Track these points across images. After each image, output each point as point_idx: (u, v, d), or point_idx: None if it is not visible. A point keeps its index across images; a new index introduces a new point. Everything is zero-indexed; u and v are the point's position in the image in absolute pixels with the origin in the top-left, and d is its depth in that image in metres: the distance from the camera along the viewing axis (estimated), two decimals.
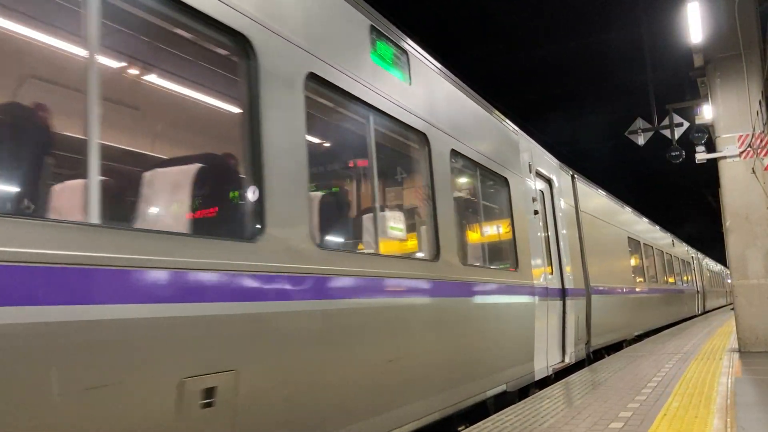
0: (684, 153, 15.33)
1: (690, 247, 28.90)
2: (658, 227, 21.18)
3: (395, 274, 4.73)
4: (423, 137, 5.67)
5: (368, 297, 4.32)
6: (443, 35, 15.66)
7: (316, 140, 5.73)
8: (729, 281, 43.28)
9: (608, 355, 11.84)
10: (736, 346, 10.06)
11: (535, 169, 8.83)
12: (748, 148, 9.89)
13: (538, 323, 7.90)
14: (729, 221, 10.05)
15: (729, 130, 10.13)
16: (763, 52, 10.24)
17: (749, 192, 9.89)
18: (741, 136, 9.99)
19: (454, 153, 6.25)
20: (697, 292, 28.08)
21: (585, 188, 12.28)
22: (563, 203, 10.23)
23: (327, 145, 6.13)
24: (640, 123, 16.15)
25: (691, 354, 10.07)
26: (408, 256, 5.61)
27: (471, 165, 6.87)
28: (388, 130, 5.43)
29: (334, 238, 5.22)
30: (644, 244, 17.49)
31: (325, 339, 3.84)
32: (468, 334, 5.95)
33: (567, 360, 9.19)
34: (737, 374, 7.43)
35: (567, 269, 9.68)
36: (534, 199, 8.57)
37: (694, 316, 25.81)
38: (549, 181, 9.67)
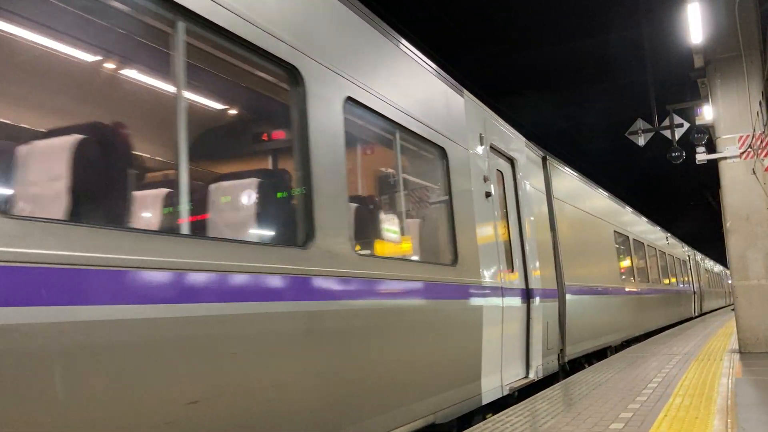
0: (684, 153, 15.35)
1: (686, 246, 27.70)
2: (650, 223, 19.79)
3: (211, 267, 3.08)
4: (292, 72, 3.95)
5: (149, 303, 2.73)
6: (443, 36, 15.67)
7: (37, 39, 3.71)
8: (728, 281, 43.29)
9: (589, 365, 10.48)
10: (737, 347, 10.06)
11: (489, 143, 7.25)
12: (749, 149, 9.89)
13: (488, 332, 6.33)
14: (729, 222, 10.05)
15: (729, 131, 10.14)
16: (763, 52, 10.25)
17: (750, 193, 9.89)
18: (741, 136, 10.00)
19: (353, 103, 4.61)
20: (694, 292, 26.75)
21: (561, 174, 10.77)
22: (531, 188, 8.72)
23: (72, 55, 3.92)
24: (640, 124, 16.16)
25: (692, 355, 10.07)
26: (246, 241, 3.80)
27: (384, 124, 5.20)
28: (219, 51, 3.67)
29: (72, 207, 3.17)
30: (634, 240, 16.04)
31: (41, 372, 2.28)
32: (363, 352, 4.28)
33: (532, 375, 7.65)
34: (738, 375, 7.43)
35: (534, 265, 8.18)
36: (486, 179, 6.92)
37: (691, 319, 24.74)
38: (511, 161, 8.08)
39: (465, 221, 6.24)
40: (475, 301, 6.16)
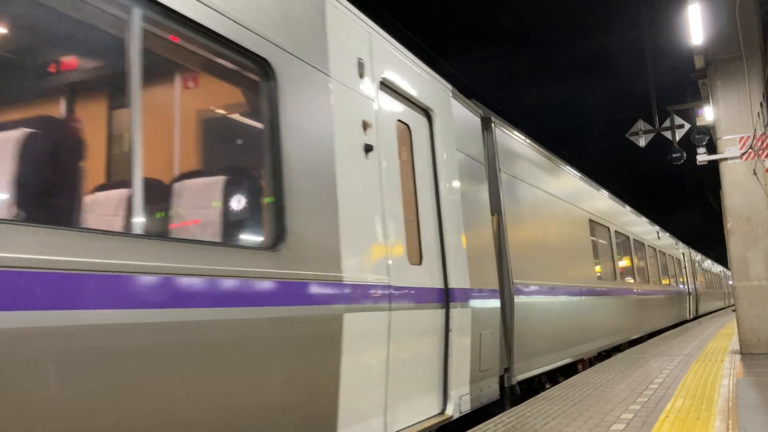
0: (685, 154, 15.36)
1: (681, 242, 25.23)
2: (638, 215, 17.55)
3: None
4: None
5: None
6: (443, 36, 15.69)
7: None
8: (727, 282, 43.00)
9: (552, 385, 8.70)
10: (738, 348, 10.07)
11: (380, 78, 5.12)
12: (750, 150, 9.90)
13: (356, 356, 4.22)
14: (730, 223, 10.06)
15: (730, 132, 10.15)
16: (764, 53, 10.26)
17: (750, 194, 9.90)
18: (742, 137, 10.01)
19: None
20: (689, 293, 24.39)
21: (514, 143, 8.47)
22: (462, 156, 6.52)
23: None
24: (641, 124, 16.18)
25: (693, 356, 10.07)
26: None
27: None
28: None
29: None
30: (617, 232, 13.82)
31: None
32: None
33: (450, 410, 5.46)
34: (739, 376, 7.43)
35: (459, 258, 5.96)
36: (367, 126, 4.81)
37: (685, 322, 22.82)
38: (427, 114, 5.94)
39: (310, 182, 4.01)
40: (326, 309, 3.96)
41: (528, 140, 9.19)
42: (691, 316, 24.78)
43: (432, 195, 5.79)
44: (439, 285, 5.58)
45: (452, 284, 5.71)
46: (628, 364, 9.30)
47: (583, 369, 10.02)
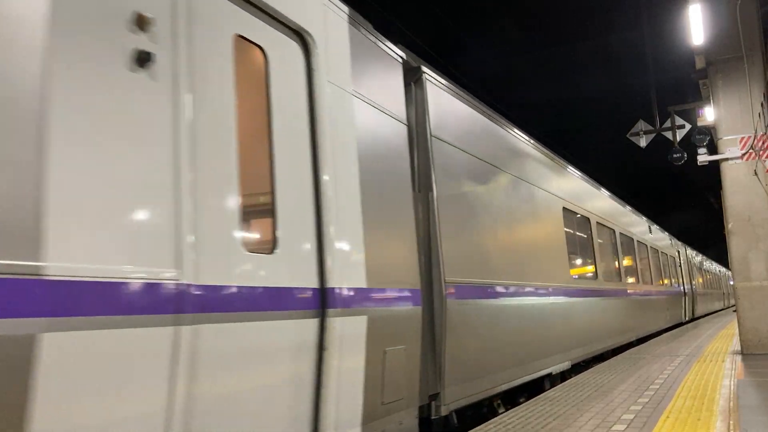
0: (686, 154, 15.35)
1: (676, 240, 23.39)
2: (627, 207, 15.62)
3: None
4: None
5: None
6: (444, 36, 15.70)
7: None
8: (726, 282, 42.93)
9: (508, 407, 7.29)
10: (739, 349, 10.07)
11: None
12: (750, 150, 9.89)
13: (61, 410, 2.36)
14: (731, 223, 10.05)
15: (731, 132, 10.15)
16: (765, 54, 10.25)
17: (751, 194, 9.90)
18: (743, 138, 10.01)
19: None
20: (684, 294, 22.53)
21: (457, 105, 6.61)
22: (363, 106, 4.82)
23: None
24: (641, 125, 16.17)
25: (694, 356, 10.07)
26: None
27: None
28: None
29: None
30: (598, 224, 11.98)
31: None
32: None
33: None
34: (740, 376, 7.43)
35: (351, 243, 4.37)
36: (143, 22, 3.01)
37: (680, 324, 21.25)
38: (301, 38, 4.26)
39: None
40: None
41: (478, 103, 7.30)
42: (687, 318, 23.17)
43: (305, 154, 4.11)
44: (310, 283, 3.96)
45: (333, 282, 4.09)
46: (628, 365, 9.30)
47: (552, 386, 8.22)
